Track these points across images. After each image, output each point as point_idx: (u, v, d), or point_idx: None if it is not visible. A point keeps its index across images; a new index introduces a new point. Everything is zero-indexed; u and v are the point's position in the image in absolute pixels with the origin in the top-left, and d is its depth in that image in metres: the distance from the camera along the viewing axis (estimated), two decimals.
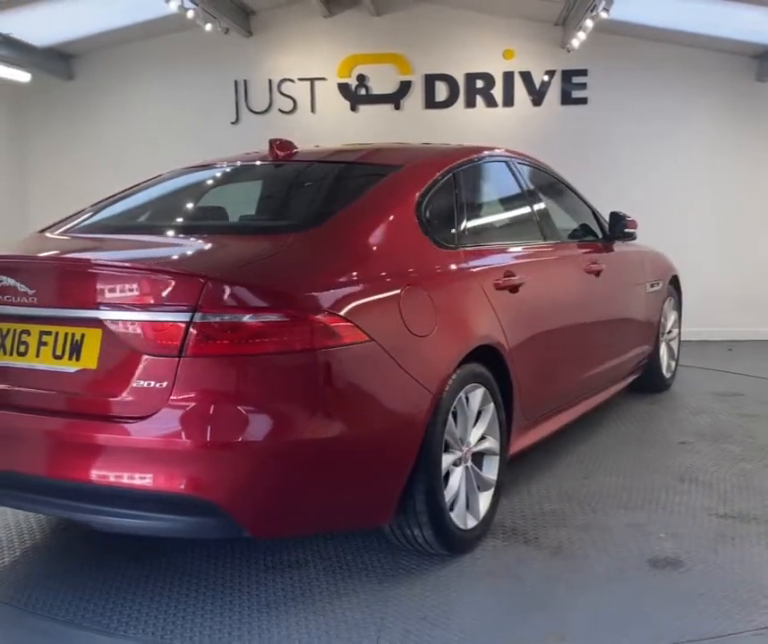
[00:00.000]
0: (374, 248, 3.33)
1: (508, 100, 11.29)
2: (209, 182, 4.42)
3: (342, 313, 2.89)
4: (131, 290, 2.73)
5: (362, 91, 11.46)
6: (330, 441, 2.87)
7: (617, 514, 4.00)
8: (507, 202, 4.97)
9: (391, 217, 3.51)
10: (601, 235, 5.59)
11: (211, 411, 2.70)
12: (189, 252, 3.35)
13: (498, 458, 3.74)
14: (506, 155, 4.82)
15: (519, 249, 4.47)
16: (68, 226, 3.92)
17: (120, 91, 11.67)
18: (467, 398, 3.51)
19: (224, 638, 2.93)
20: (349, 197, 3.69)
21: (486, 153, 4.65)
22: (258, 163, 4.42)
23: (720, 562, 3.44)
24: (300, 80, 11.48)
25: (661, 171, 11.02)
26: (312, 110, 11.55)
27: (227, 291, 2.75)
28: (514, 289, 3.98)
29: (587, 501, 4.22)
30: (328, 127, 11.22)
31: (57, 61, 11.45)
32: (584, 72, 11.13)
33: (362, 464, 3.03)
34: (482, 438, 3.70)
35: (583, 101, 11.21)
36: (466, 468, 3.55)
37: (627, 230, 5.56)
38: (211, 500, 2.70)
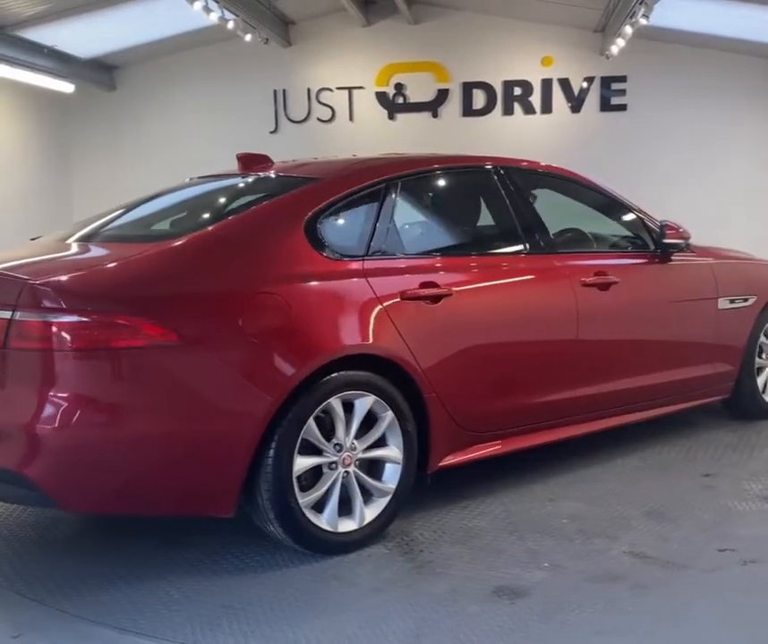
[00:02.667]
0: (231, 258, 3.50)
1: (547, 107, 11.27)
2: (171, 194, 4.63)
3: (152, 315, 3.14)
4: None
5: (400, 100, 11.50)
6: (130, 432, 3.12)
7: (527, 540, 3.68)
8: (465, 213, 4.83)
9: (265, 230, 3.67)
10: (653, 246, 5.18)
11: (24, 397, 3.08)
12: (49, 257, 3.73)
13: (400, 467, 3.73)
14: (483, 164, 4.70)
15: (459, 261, 4.26)
16: (57, 235, 4.21)
17: (160, 101, 11.85)
18: (352, 404, 3.58)
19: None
20: (239, 209, 3.97)
21: (439, 164, 4.57)
22: (221, 176, 4.69)
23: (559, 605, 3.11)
24: (338, 89, 11.55)
25: (702, 177, 10.92)
26: (351, 119, 11.62)
27: (39, 292, 3.09)
28: (434, 300, 3.94)
29: (517, 524, 3.89)
30: (366, 135, 11.27)
31: (100, 72, 11.66)
32: (623, 79, 11.07)
33: (178, 457, 3.21)
34: (382, 446, 3.71)
35: (622, 108, 11.15)
36: (347, 472, 3.56)
37: (665, 241, 4.98)
38: (24, 474, 3.07)
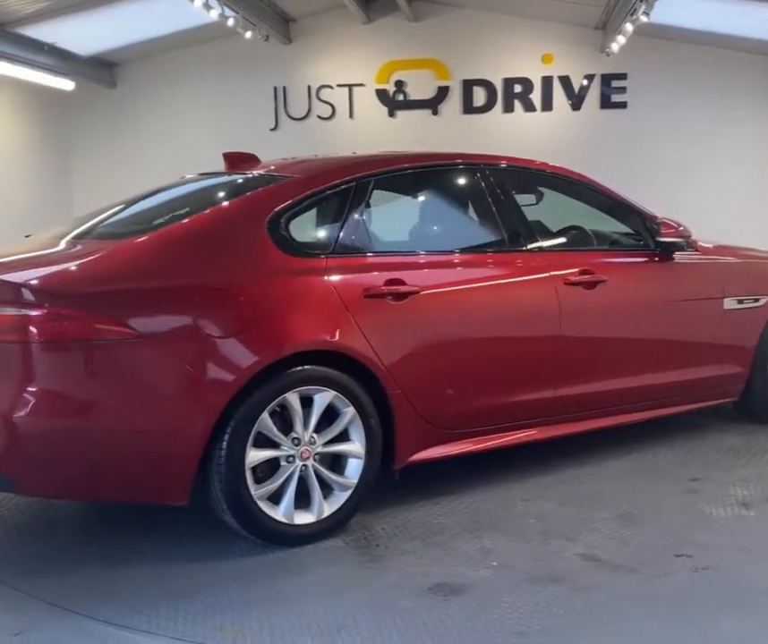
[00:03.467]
0: (189, 255, 3.59)
1: (547, 105, 11.27)
2: (159, 193, 4.65)
3: (106, 310, 3.27)
4: None
5: (400, 97, 11.51)
6: (85, 422, 3.27)
7: (485, 538, 3.67)
8: (438, 211, 4.82)
9: (226, 228, 3.76)
10: (651, 245, 4.87)
11: None
12: (27, 255, 3.81)
13: (362, 462, 3.75)
14: (458, 162, 4.68)
15: (429, 259, 4.23)
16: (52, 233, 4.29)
17: (161, 99, 11.86)
18: (311, 399, 3.65)
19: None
20: (205, 207, 4.00)
21: (410, 163, 4.55)
22: (209, 174, 4.72)
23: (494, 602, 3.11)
24: (338, 86, 11.56)
25: (703, 174, 10.92)
26: (351, 116, 11.62)
27: (1, 286, 3.29)
28: (399, 297, 3.94)
29: (482, 522, 3.87)
30: (367, 133, 11.28)
31: (100, 69, 11.66)
32: (623, 76, 11.07)
33: (130, 446, 3.32)
34: (345, 441, 3.76)
35: (622, 105, 11.15)
36: (305, 466, 3.61)
37: (661, 239, 4.86)
38: None
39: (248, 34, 10.47)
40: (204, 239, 3.67)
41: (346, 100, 11.57)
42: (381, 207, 4.35)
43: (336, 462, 3.76)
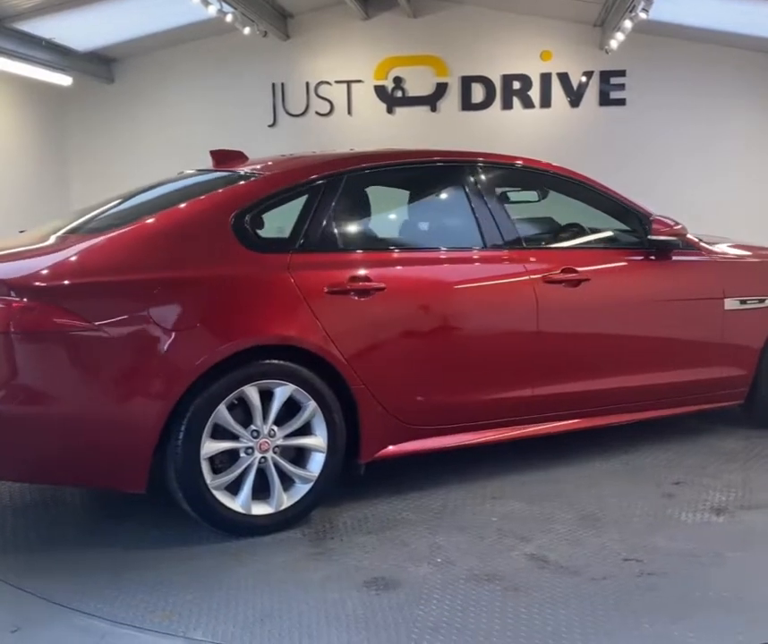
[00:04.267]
0: (151, 250, 3.69)
1: (546, 102, 11.26)
2: (154, 187, 4.67)
3: (64, 302, 3.38)
4: None
5: (399, 93, 11.49)
6: (43, 409, 3.40)
7: (440, 535, 3.69)
8: (407, 209, 4.85)
9: (191, 224, 3.86)
10: (645, 243, 4.76)
11: None
12: (7, 250, 3.87)
13: (323, 456, 3.81)
14: (432, 160, 4.65)
15: (396, 256, 4.24)
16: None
17: (158, 94, 11.83)
18: (272, 393, 3.68)
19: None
20: (175, 204, 4.08)
21: (383, 161, 4.58)
22: (201, 171, 4.77)
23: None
24: (337, 82, 11.54)
25: (701, 171, 10.93)
26: (349, 112, 11.60)
27: None
28: (363, 294, 3.95)
29: (444, 518, 3.88)
30: (365, 129, 11.27)
31: (98, 65, 11.64)
32: (622, 73, 11.06)
33: (87, 434, 3.43)
34: (308, 434, 3.82)
35: (621, 102, 11.14)
36: (264, 458, 3.68)
37: (651, 237, 4.75)
38: None
39: (246, 30, 10.45)
40: (167, 235, 3.77)
41: (345, 97, 11.56)
42: (352, 205, 4.35)
43: (301, 455, 3.83)
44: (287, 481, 3.77)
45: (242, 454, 3.66)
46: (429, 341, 4.21)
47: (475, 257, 4.43)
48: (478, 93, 11.38)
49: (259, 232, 3.96)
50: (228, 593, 3.19)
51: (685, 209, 9.51)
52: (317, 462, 3.83)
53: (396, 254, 4.30)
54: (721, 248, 5.23)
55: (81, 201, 11.35)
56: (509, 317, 4.40)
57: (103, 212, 4.25)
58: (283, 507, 3.75)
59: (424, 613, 3.02)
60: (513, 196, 4.99)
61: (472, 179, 4.55)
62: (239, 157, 4.72)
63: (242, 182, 4.18)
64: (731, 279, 5.09)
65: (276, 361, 3.73)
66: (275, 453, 3.72)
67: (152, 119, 11.87)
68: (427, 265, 4.34)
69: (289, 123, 11.61)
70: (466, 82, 11.35)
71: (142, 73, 11.83)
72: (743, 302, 5.08)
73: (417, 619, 2.98)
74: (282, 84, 11.63)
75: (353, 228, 4.39)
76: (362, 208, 4.55)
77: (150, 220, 3.88)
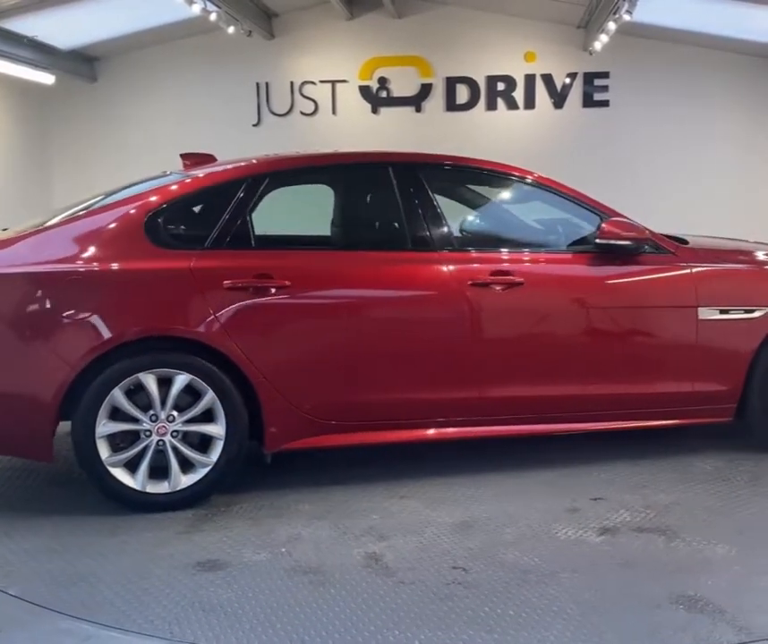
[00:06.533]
0: (64, 246, 4.03)
1: (530, 103, 11.29)
2: (119, 189, 4.73)
3: None
4: None
5: (384, 94, 11.49)
6: None
7: (310, 526, 3.81)
8: (327, 210, 4.93)
9: (104, 222, 4.13)
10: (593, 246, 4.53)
11: None
12: None
13: (222, 442, 4.04)
14: (359, 161, 4.75)
15: (307, 255, 4.39)
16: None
17: (143, 93, 11.77)
18: (171, 381, 3.96)
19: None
20: (108, 204, 4.31)
21: (309, 163, 4.76)
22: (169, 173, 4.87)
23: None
24: (321, 82, 11.52)
25: (684, 173, 10.98)
26: (333, 112, 11.59)
27: None
28: (265, 291, 4.11)
29: (332, 512, 3.98)
30: (349, 129, 11.26)
31: (81, 63, 11.56)
32: (605, 75, 11.11)
33: None
34: (210, 421, 4.03)
35: (604, 104, 11.19)
36: (162, 441, 3.97)
37: (598, 240, 4.47)
38: None
39: (230, 29, 10.42)
40: (85, 233, 4.09)
41: (329, 96, 11.54)
42: (268, 206, 4.45)
43: (208, 441, 4.06)
44: (188, 464, 4.03)
45: (141, 436, 3.97)
46: (333, 338, 4.27)
47: (394, 257, 4.41)
48: (462, 94, 11.40)
49: (172, 230, 4.18)
50: (72, 560, 3.49)
51: (668, 210, 9.60)
52: (213, 449, 4.06)
53: (306, 253, 4.45)
54: (700, 252, 4.83)
55: (63, 200, 11.29)
56: (424, 319, 4.37)
57: (64, 211, 4.37)
58: (180, 488, 4.02)
59: (226, 593, 3.20)
60: (456, 196, 4.99)
61: (396, 179, 4.50)
62: (208, 160, 4.88)
63: (164, 184, 4.40)
64: (709, 287, 4.68)
65: (172, 352, 4.01)
66: (173, 437, 3.99)
67: (135, 118, 11.80)
68: (337, 263, 4.36)
69: (274, 123, 11.58)
70: (451, 83, 11.37)
71: (125, 72, 11.77)
72: (724, 312, 4.69)
73: (212, 597, 3.17)
74: (266, 83, 11.60)
75: (265, 228, 4.55)
76: (278, 209, 4.73)
77: (79, 220, 4.15)
